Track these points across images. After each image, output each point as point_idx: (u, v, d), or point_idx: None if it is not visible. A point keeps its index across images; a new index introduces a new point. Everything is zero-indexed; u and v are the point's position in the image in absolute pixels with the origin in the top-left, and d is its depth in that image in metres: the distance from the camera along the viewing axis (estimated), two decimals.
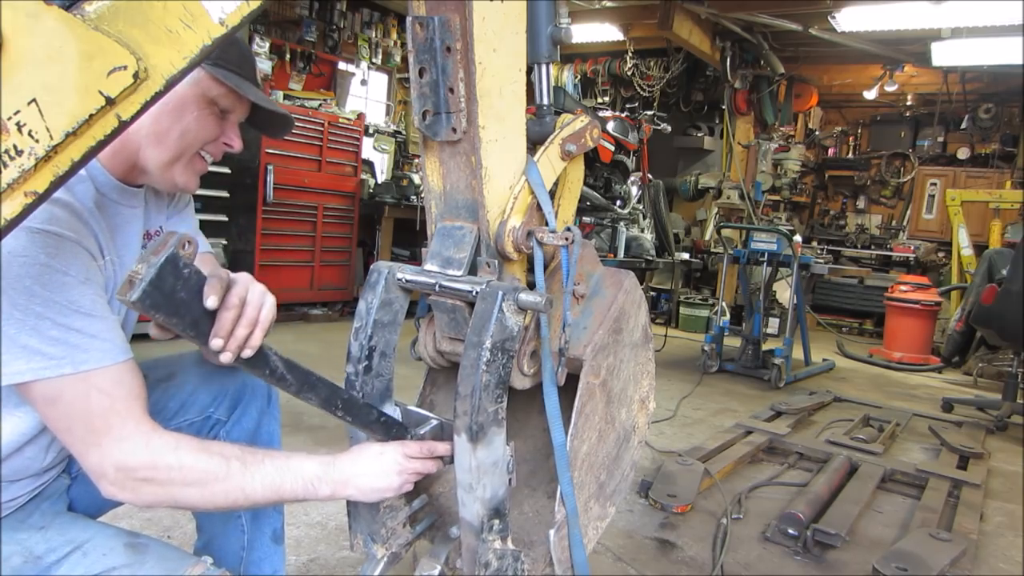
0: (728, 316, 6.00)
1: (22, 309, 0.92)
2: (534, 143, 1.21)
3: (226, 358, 0.97)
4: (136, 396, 1.00)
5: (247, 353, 0.98)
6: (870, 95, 8.35)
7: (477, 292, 1.07)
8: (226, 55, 1.14)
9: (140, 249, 1.22)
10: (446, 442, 1.18)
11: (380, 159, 7.29)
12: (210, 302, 0.92)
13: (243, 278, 1.01)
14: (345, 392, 1.13)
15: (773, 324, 5.38)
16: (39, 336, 0.92)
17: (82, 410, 0.96)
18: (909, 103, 9.03)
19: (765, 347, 5.32)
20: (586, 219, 5.63)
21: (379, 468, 1.12)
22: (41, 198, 0.68)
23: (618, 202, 5.87)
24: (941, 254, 8.04)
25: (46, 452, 1.12)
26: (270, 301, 1.03)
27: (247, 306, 0.98)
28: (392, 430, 1.18)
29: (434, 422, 1.21)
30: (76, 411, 0.96)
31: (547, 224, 1.15)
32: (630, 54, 8.21)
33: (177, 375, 1.35)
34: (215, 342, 0.95)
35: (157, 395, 1.29)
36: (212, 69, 1.12)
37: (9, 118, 0.64)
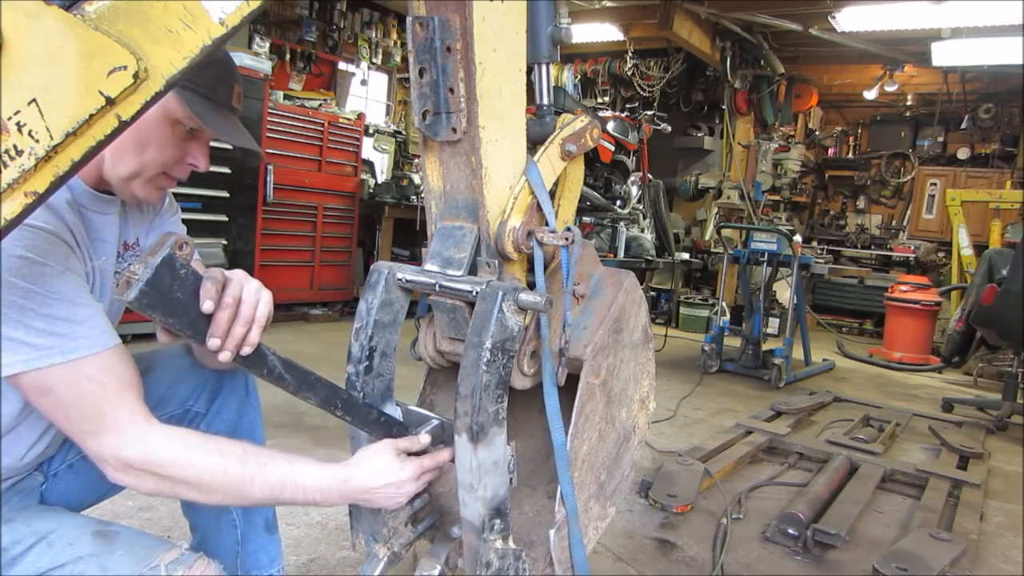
0: (728, 316, 6.00)
1: (4, 303, 0.91)
2: (534, 143, 1.21)
3: (224, 357, 0.96)
4: (128, 383, 1.00)
5: (246, 351, 0.98)
6: (870, 95, 8.36)
7: (477, 292, 1.07)
8: (201, 76, 1.10)
9: (116, 256, 1.22)
10: (445, 450, 1.17)
11: (380, 159, 7.29)
12: (206, 306, 0.93)
13: (237, 275, 1.01)
14: (344, 392, 1.13)
15: (773, 324, 5.39)
16: (24, 328, 0.92)
17: (75, 399, 0.96)
18: (909, 103, 9.03)
19: (765, 347, 5.32)
20: (586, 219, 5.62)
21: (393, 478, 1.11)
22: (41, 198, 0.68)
23: (618, 202, 5.87)
24: (941, 254, 8.04)
25: (22, 458, 1.11)
26: (266, 297, 1.02)
27: (242, 304, 0.98)
28: (392, 430, 1.18)
29: (435, 422, 1.22)
30: (69, 401, 0.96)
31: (547, 224, 1.15)
32: (630, 54, 8.21)
33: (155, 369, 1.34)
34: (212, 341, 0.94)
35: None
36: (180, 92, 1.09)
37: (9, 118, 0.64)
